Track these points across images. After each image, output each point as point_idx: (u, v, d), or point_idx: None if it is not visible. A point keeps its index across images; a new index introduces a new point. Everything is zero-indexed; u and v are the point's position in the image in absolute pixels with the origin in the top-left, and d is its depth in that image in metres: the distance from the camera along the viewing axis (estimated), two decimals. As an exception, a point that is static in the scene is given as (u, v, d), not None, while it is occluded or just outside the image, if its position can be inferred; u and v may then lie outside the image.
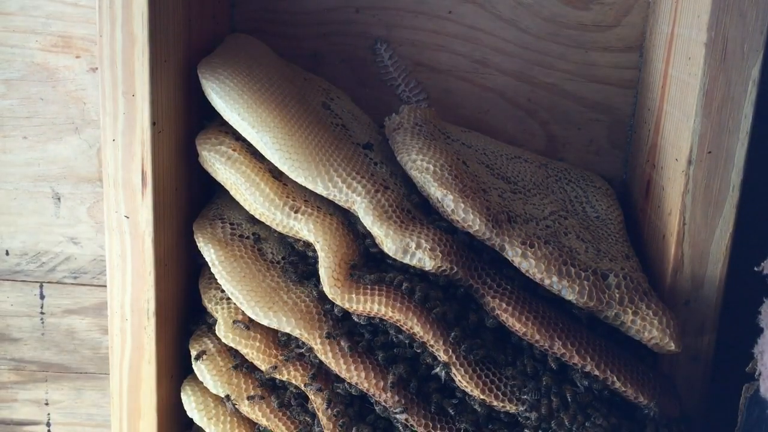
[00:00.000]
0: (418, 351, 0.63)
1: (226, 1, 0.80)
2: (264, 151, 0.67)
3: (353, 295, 0.63)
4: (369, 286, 0.64)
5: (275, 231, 0.69)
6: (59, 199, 0.82)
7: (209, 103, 0.69)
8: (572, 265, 0.63)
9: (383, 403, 0.63)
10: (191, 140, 0.71)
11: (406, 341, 0.64)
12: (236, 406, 0.68)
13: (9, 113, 0.80)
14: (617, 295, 0.63)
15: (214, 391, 0.69)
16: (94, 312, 0.85)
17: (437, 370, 0.63)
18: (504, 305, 0.63)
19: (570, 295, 0.62)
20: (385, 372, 0.64)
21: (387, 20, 0.81)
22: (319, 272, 0.65)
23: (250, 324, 0.68)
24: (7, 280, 0.84)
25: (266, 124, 0.67)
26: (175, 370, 0.72)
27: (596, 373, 0.62)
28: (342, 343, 0.64)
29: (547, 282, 0.63)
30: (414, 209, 0.67)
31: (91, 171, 0.81)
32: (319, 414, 0.65)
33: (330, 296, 0.64)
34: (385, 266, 0.66)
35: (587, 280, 0.63)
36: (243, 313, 0.68)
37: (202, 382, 0.70)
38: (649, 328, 0.63)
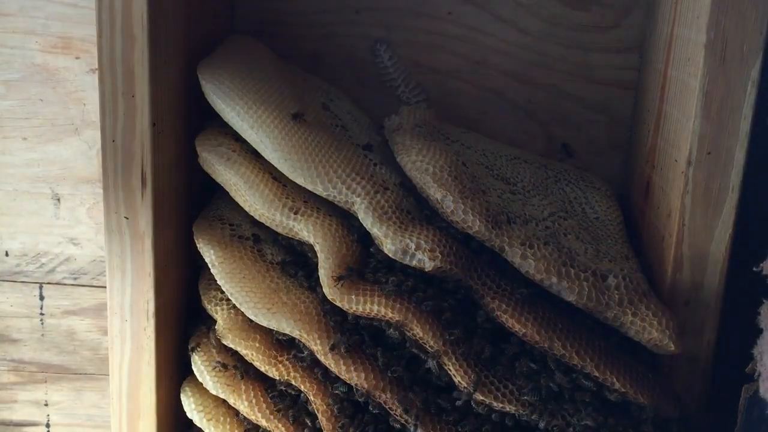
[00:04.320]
0: (415, 351, 0.63)
1: (226, 1, 0.80)
2: (263, 152, 0.67)
3: (353, 296, 0.63)
4: (368, 287, 0.64)
5: (275, 232, 0.69)
6: (59, 200, 0.82)
7: (209, 104, 0.69)
8: (572, 266, 0.63)
9: (383, 404, 0.63)
10: (191, 141, 0.71)
11: (406, 342, 0.64)
12: (235, 405, 0.68)
13: (9, 114, 0.80)
14: (617, 296, 0.63)
15: (213, 392, 0.69)
16: (94, 313, 0.85)
17: (437, 372, 0.63)
18: (504, 306, 0.63)
19: (570, 297, 0.62)
20: (385, 373, 0.64)
21: (387, 21, 0.81)
22: (319, 273, 0.65)
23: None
24: (7, 281, 0.84)
25: (266, 125, 0.67)
26: (174, 371, 0.72)
27: (596, 373, 0.62)
28: (342, 345, 0.64)
29: (546, 283, 0.63)
30: (413, 210, 0.67)
31: (91, 172, 0.81)
32: (319, 415, 0.65)
33: (330, 297, 0.64)
34: (385, 267, 0.66)
35: (587, 281, 0.63)
36: (243, 315, 0.68)
37: (201, 383, 0.70)
38: (649, 329, 0.63)
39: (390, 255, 0.63)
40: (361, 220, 0.65)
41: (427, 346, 0.63)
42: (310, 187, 0.66)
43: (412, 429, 0.63)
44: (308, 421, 0.67)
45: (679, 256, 0.67)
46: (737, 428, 0.64)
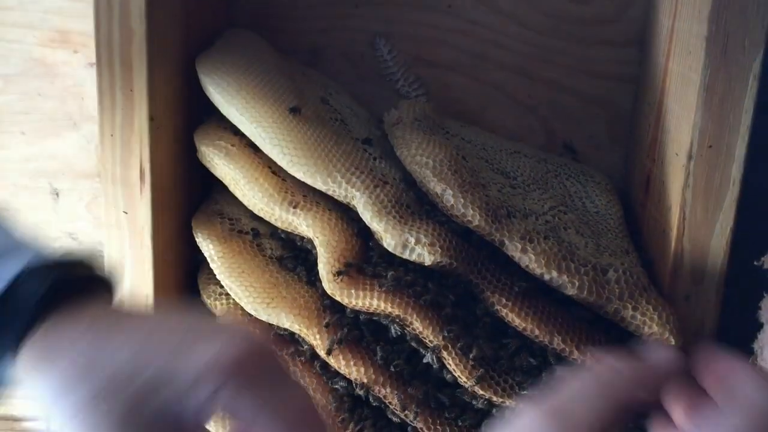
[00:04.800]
0: (415, 345, 0.63)
1: (224, -5, 0.80)
2: (262, 146, 0.67)
3: (352, 291, 0.63)
4: (368, 282, 0.63)
5: (274, 226, 0.69)
6: (58, 194, 0.82)
7: (208, 98, 0.69)
8: (572, 261, 0.63)
9: (383, 399, 0.63)
10: (190, 135, 0.71)
11: (406, 336, 0.63)
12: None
13: (7, 109, 0.80)
14: (617, 291, 0.63)
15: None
16: (93, 308, 0.85)
17: (436, 367, 0.63)
18: (504, 301, 0.63)
19: (570, 291, 0.62)
20: (385, 368, 0.63)
21: (386, 15, 0.81)
22: (319, 268, 0.65)
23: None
24: (6, 276, 0.84)
25: (264, 120, 0.66)
26: (174, 366, 0.72)
27: (596, 368, 0.62)
28: (341, 339, 0.64)
29: (546, 277, 0.62)
30: (413, 204, 0.66)
31: (90, 166, 0.81)
32: (319, 410, 0.65)
33: (329, 292, 0.63)
34: (385, 262, 0.65)
35: (587, 276, 0.63)
36: (242, 309, 0.68)
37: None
38: (649, 323, 0.63)
39: (389, 249, 0.63)
40: (360, 215, 0.65)
41: (427, 341, 0.62)
42: (309, 182, 0.65)
43: (411, 418, 0.63)
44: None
45: (679, 250, 0.66)
46: (738, 423, 0.64)
